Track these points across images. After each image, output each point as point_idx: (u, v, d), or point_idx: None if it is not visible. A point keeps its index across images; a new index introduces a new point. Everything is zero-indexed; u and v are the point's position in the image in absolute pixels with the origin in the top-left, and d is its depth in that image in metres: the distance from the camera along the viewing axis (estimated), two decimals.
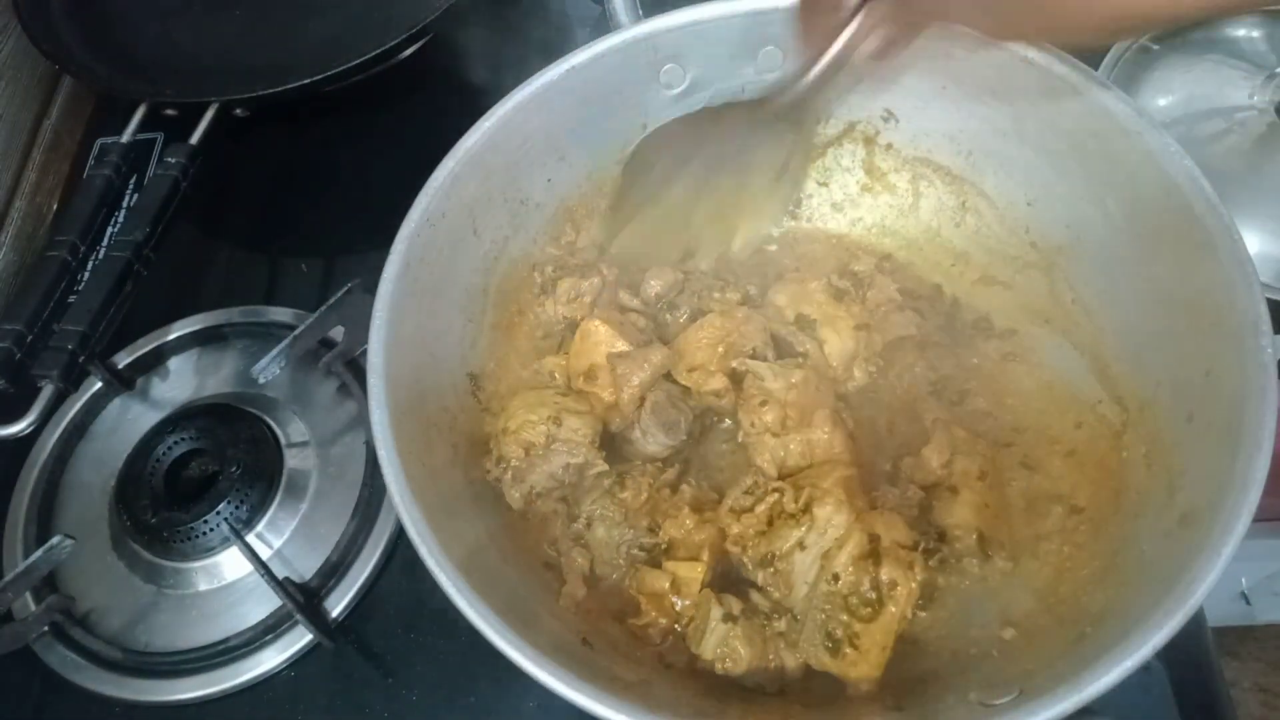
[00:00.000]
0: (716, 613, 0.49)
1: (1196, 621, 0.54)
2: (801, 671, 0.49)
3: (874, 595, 0.48)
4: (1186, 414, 0.46)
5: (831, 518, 0.49)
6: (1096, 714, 0.38)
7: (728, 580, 0.52)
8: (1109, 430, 0.52)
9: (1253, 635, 1.36)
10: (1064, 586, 0.48)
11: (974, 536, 0.51)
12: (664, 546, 0.53)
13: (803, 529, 0.50)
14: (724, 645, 0.48)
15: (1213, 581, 0.38)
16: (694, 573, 0.51)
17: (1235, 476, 0.40)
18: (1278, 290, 0.58)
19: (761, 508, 0.52)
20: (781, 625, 0.49)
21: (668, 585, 0.51)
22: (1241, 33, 0.76)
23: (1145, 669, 0.37)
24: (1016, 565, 0.51)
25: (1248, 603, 1.13)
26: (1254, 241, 0.65)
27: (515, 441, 0.54)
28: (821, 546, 0.49)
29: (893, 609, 0.47)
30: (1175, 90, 0.74)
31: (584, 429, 0.54)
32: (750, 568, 0.51)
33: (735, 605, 0.50)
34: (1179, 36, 0.76)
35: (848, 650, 0.47)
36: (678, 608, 0.51)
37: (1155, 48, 0.76)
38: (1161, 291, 0.49)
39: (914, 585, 0.48)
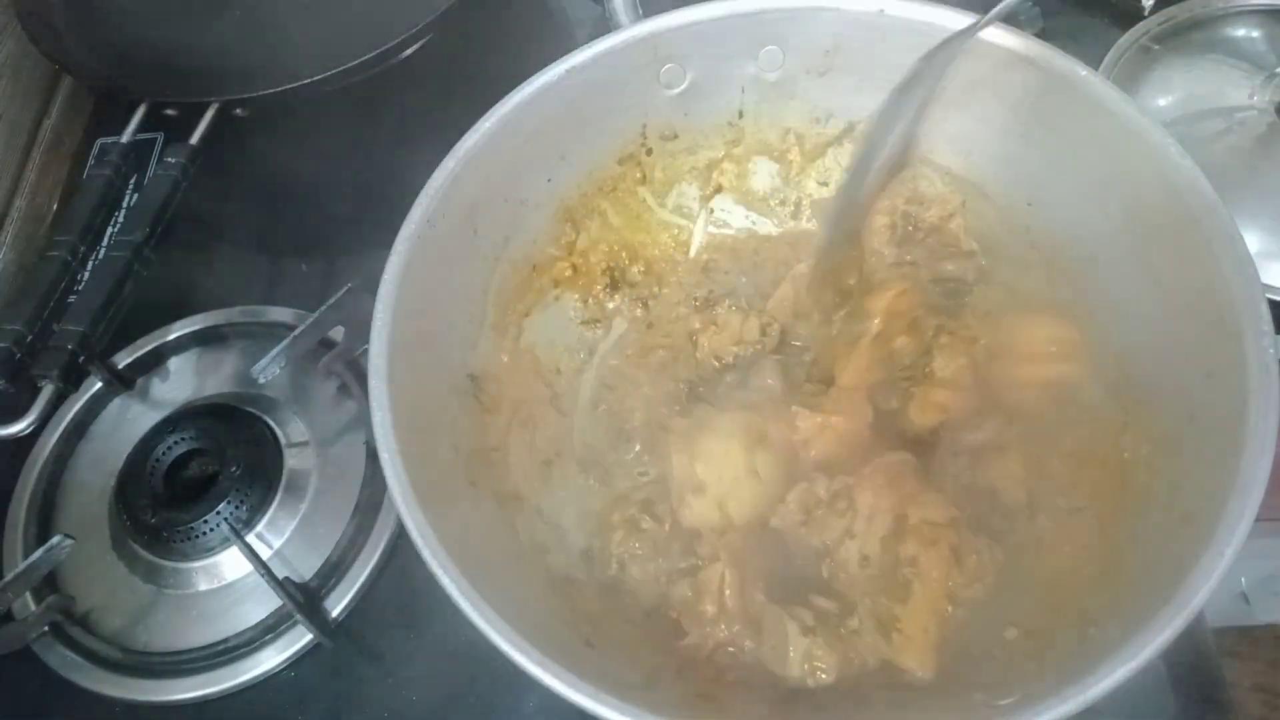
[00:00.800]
0: (793, 628, 0.48)
1: (1196, 621, 0.53)
2: (881, 666, 0.48)
3: (903, 575, 0.47)
4: (1188, 414, 0.46)
5: (874, 503, 0.49)
6: (1099, 714, 0.37)
7: (788, 591, 0.51)
8: (1110, 430, 0.51)
9: (1253, 635, 1.36)
10: (1066, 586, 0.48)
11: (1023, 491, 0.51)
12: (700, 564, 0.51)
13: (846, 518, 0.49)
14: (808, 659, 0.47)
15: (1216, 581, 0.38)
16: (713, 571, 0.50)
17: (1237, 477, 0.40)
18: (1278, 290, 0.58)
19: (793, 496, 0.51)
20: (855, 623, 0.48)
21: (691, 593, 0.50)
22: (1241, 33, 0.76)
23: (1145, 669, 0.37)
24: (1058, 526, 0.50)
25: (1248, 603, 1.13)
26: (1254, 241, 0.65)
27: None
28: (874, 532, 0.49)
29: (919, 587, 0.47)
30: (1175, 90, 0.74)
31: None
32: (808, 564, 0.50)
33: (808, 616, 0.48)
34: (1179, 36, 0.76)
35: (895, 635, 0.47)
36: (710, 614, 0.49)
37: (1155, 48, 0.76)
38: (1162, 291, 0.49)
39: (942, 561, 0.47)
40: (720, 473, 0.53)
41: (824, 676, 0.47)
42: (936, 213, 0.61)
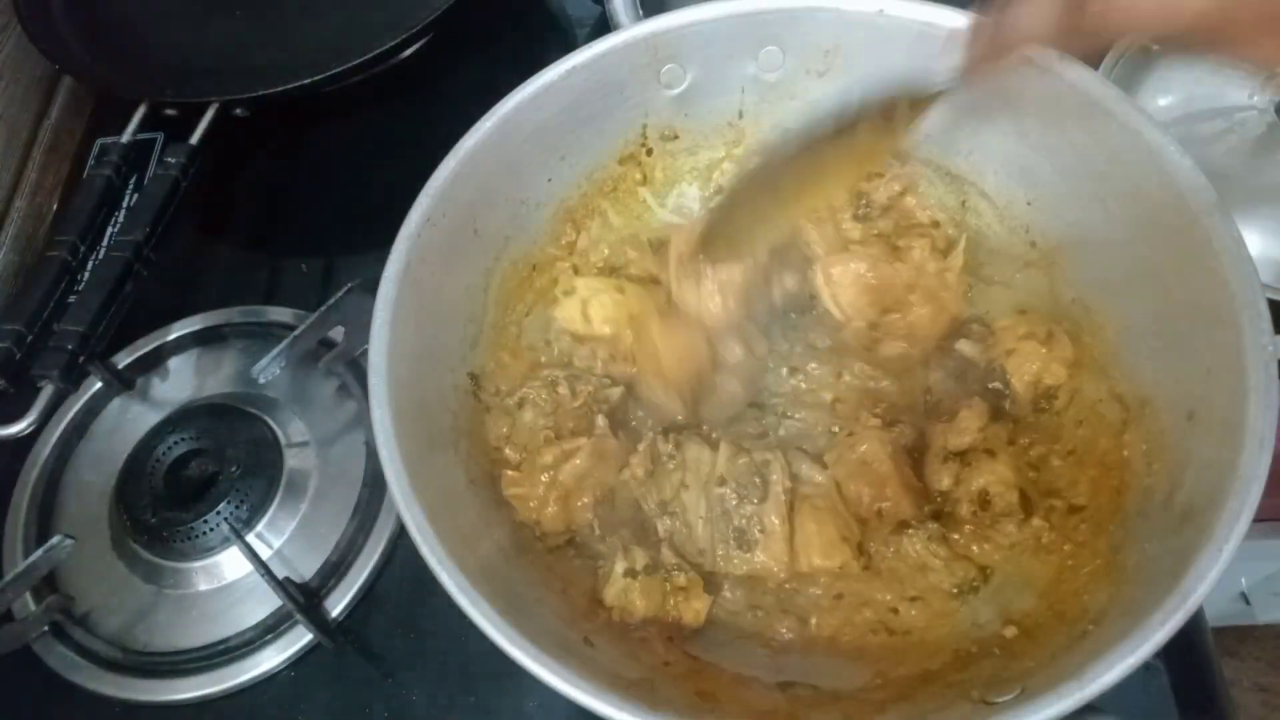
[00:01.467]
0: (620, 566, 0.52)
1: (1196, 621, 0.54)
2: (696, 622, 0.52)
3: (758, 479, 0.53)
4: (1187, 412, 0.46)
5: (700, 455, 0.54)
6: (1100, 712, 0.37)
7: (642, 532, 0.56)
8: (1109, 428, 0.52)
9: (1253, 635, 1.36)
10: (1065, 585, 0.48)
11: (1015, 494, 0.52)
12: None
13: (680, 470, 0.54)
14: (623, 596, 0.51)
15: (1215, 579, 0.38)
16: (570, 467, 0.55)
17: (1236, 474, 0.40)
18: (1278, 290, 0.58)
19: (642, 447, 0.56)
20: (683, 580, 0.52)
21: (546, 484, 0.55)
22: None
23: (1145, 668, 0.37)
24: (1053, 529, 0.51)
25: (1248, 603, 1.13)
26: (1254, 242, 0.65)
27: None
28: (700, 478, 0.54)
29: (775, 483, 0.52)
30: (1175, 90, 0.74)
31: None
32: (654, 519, 0.55)
33: (640, 560, 0.52)
34: None
35: (758, 536, 0.52)
36: (538, 498, 0.54)
37: (1155, 48, 0.76)
38: (1162, 290, 0.49)
39: (783, 460, 0.54)
40: (591, 283, 0.60)
41: (629, 617, 0.51)
42: (885, 193, 0.62)
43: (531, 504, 0.54)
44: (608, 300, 0.59)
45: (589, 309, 0.59)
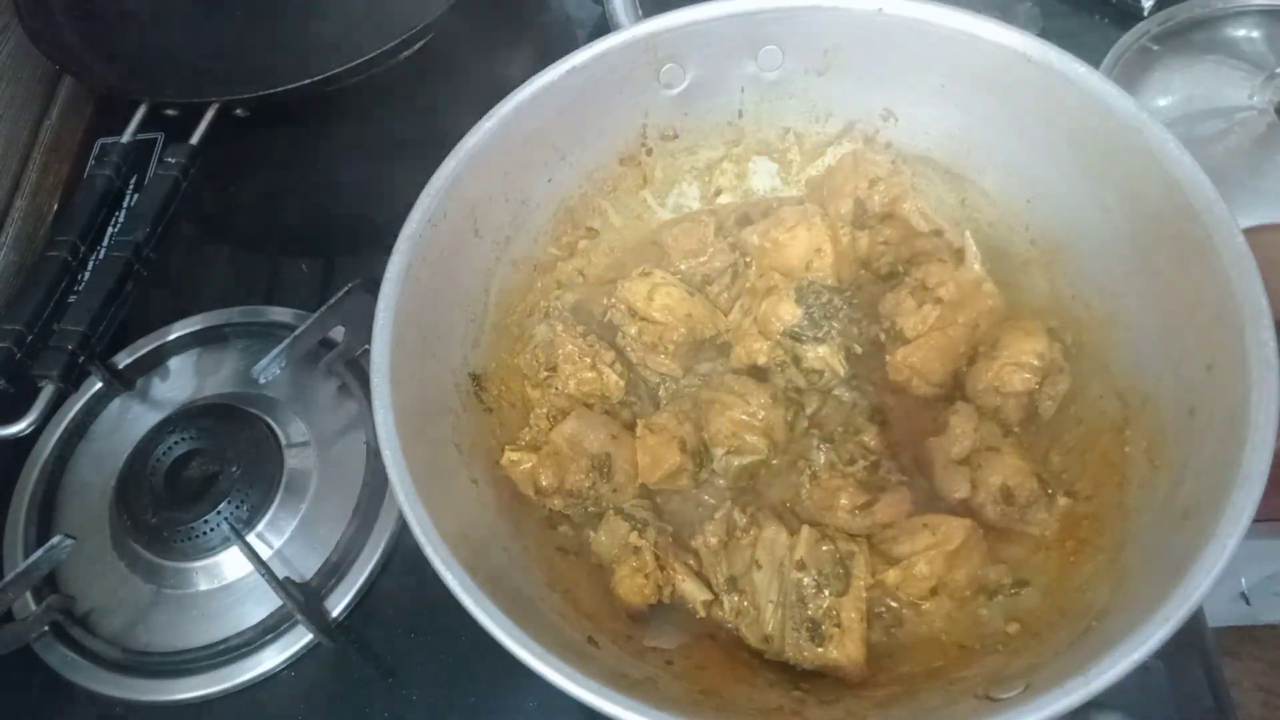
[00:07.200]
0: (630, 564, 0.52)
1: (1196, 621, 0.53)
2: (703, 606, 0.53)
3: (841, 570, 0.50)
4: (1189, 408, 0.46)
5: (776, 536, 0.52)
6: (1106, 708, 0.37)
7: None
8: (1111, 425, 0.52)
9: (1253, 635, 1.36)
10: (1069, 581, 0.48)
11: (1034, 480, 0.52)
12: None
13: (752, 548, 0.52)
14: (631, 580, 0.52)
15: (1217, 574, 0.38)
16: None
17: (1238, 470, 0.40)
18: None
19: (719, 514, 0.55)
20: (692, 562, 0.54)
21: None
22: (1241, 33, 0.76)
23: (1145, 669, 0.37)
24: (1075, 501, 0.51)
25: (1248, 603, 1.13)
26: None
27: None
28: (774, 560, 0.51)
29: (858, 577, 0.50)
30: (1175, 90, 0.74)
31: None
32: (719, 592, 0.53)
33: (640, 540, 0.53)
34: (1179, 37, 0.76)
35: (833, 630, 0.49)
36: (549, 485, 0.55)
37: (1155, 48, 0.76)
38: (1162, 287, 0.49)
39: (866, 553, 0.51)
40: (666, 276, 0.61)
41: (639, 601, 0.52)
42: (879, 200, 0.62)
43: (526, 466, 0.55)
44: (674, 293, 0.60)
45: (655, 293, 0.60)
